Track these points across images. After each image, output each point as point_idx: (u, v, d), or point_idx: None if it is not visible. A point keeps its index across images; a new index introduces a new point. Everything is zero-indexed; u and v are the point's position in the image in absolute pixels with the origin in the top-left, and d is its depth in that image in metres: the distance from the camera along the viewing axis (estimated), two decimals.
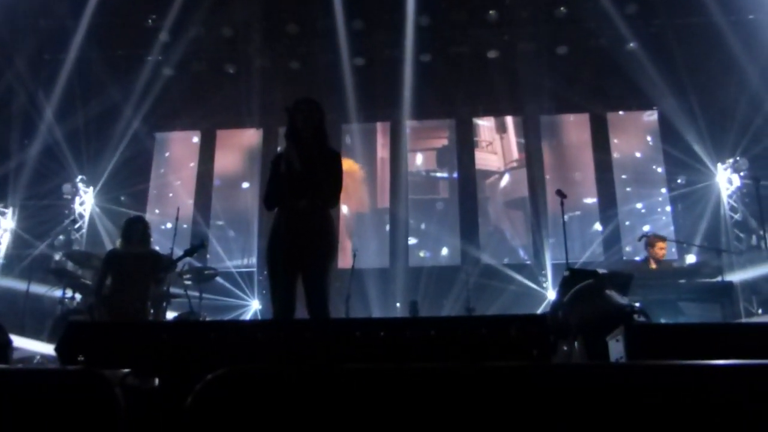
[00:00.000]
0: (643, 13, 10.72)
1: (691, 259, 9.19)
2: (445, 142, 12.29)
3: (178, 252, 6.82)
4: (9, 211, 10.73)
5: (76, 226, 11.03)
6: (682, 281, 6.59)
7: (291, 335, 2.63)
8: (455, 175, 11.82)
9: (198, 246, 6.65)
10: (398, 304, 10.23)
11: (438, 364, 1.56)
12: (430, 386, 1.47)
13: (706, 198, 10.39)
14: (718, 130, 10.20)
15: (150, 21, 11.36)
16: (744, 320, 6.87)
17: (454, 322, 2.99)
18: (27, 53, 10.52)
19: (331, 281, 4.16)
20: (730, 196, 10.20)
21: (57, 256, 10.35)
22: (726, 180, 10.26)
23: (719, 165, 10.30)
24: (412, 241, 11.48)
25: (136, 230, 6.19)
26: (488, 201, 11.77)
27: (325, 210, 4.20)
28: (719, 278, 6.79)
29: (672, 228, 10.77)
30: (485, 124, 12.09)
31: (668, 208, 11.10)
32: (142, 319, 5.87)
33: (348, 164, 11.77)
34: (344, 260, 10.03)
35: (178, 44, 11.18)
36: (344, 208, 11.48)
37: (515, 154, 11.93)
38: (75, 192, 11.11)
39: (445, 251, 11.42)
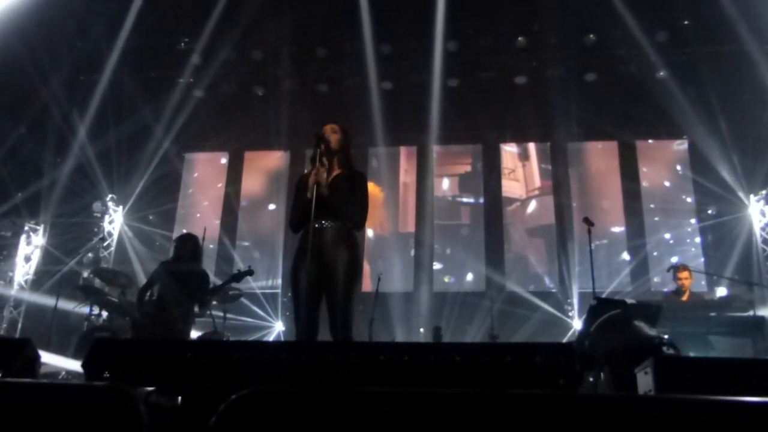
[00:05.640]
0: (674, 41, 10.61)
1: (721, 291, 9.01)
2: (468, 168, 12.27)
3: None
4: (40, 228, 10.94)
5: (105, 244, 11.20)
6: (713, 314, 6.45)
7: (315, 357, 2.62)
8: (481, 200, 11.77)
9: (246, 272, 6.56)
10: (422, 330, 10.16)
11: (462, 390, 1.54)
12: (453, 412, 1.45)
13: (738, 230, 10.19)
14: (750, 160, 10.04)
15: (182, 44, 11.60)
16: None
17: (479, 348, 2.95)
18: (63, 74, 10.77)
19: (355, 304, 4.12)
20: (762, 229, 10.00)
21: (85, 273, 10.50)
22: (759, 212, 10.08)
23: (752, 196, 10.13)
24: (436, 266, 11.43)
25: (185, 248, 6.33)
26: (511, 227, 11.67)
27: (351, 232, 4.19)
28: (751, 312, 6.62)
29: (702, 260, 10.57)
30: (508, 151, 12.05)
31: (698, 239, 10.90)
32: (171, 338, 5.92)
33: (369, 187, 11.79)
34: (365, 283, 9.99)
35: (209, 67, 11.41)
36: (369, 232, 11.49)
37: (537, 182, 11.87)
38: (105, 210, 11.30)
39: (469, 277, 11.34)
